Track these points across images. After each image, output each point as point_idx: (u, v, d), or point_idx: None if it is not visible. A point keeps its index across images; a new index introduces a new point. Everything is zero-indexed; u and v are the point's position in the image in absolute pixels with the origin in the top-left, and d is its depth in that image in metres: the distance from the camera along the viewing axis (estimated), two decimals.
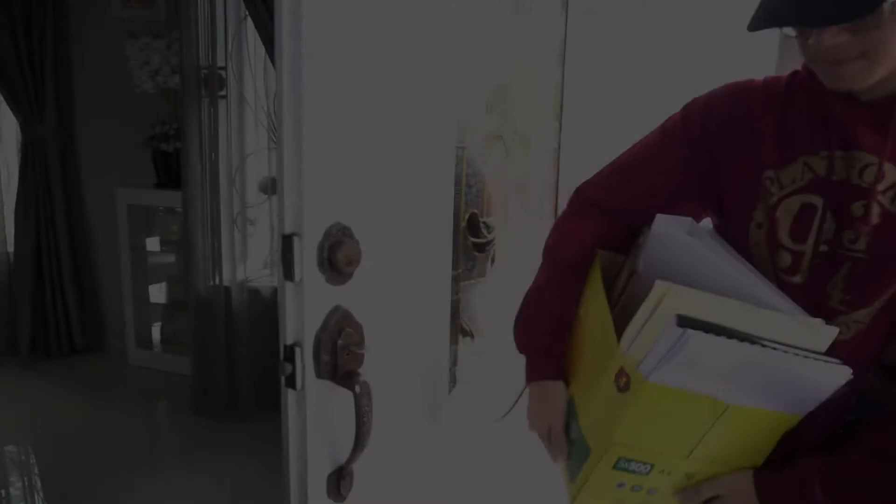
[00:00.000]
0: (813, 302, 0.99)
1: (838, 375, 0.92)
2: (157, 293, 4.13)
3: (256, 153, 3.40)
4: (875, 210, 0.95)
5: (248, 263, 3.42)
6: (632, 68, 1.92)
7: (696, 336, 0.87)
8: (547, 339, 1.20)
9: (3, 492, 2.76)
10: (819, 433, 1.04)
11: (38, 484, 2.86)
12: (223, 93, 3.23)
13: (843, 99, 0.95)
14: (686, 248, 1.02)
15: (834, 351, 0.96)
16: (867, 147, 0.95)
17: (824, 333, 0.95)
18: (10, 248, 4.15)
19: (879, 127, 0.94)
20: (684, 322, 0.88)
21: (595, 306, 1.11)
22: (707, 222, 1.16)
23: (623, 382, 0.96)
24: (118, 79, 3.79)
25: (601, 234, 1.18)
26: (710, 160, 1.09)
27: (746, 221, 1.06)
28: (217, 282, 3.34)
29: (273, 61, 2.81)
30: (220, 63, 3.20)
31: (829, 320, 0.98)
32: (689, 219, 1.08)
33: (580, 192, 1.24)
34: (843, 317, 0.99)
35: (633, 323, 0.96)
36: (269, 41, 2.94)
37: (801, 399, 0.97)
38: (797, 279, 1.01)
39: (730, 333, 0.89)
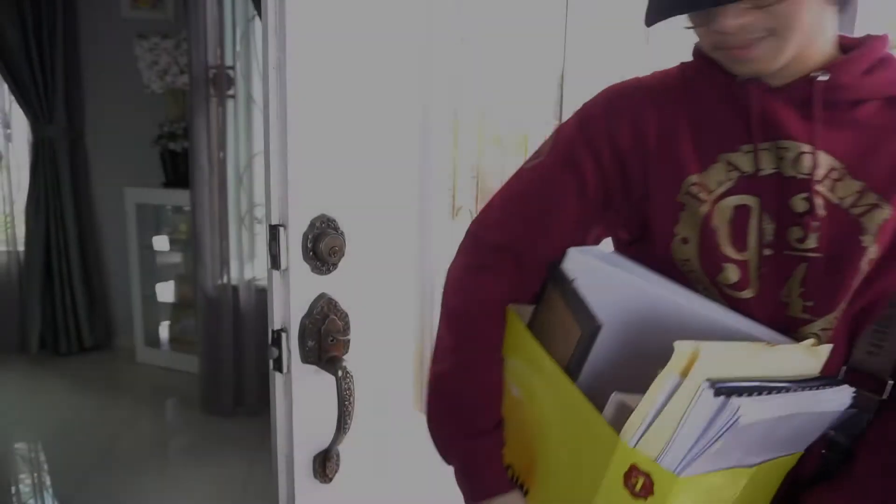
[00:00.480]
0: (771, 315, 0.88)
1: (845, 397, 0.81)
2: (165, 292, 4.15)
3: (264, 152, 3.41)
4: (819, 202, 0.84)
5: (255, 262, 3.44)
6: (632, 65, 1.92)
7: (746, 405, 0.69)
8: (486, 440, 0.96)
9: (13, 488, 2.78)
10: (805, 458, 0.92)
11: (48, 481, 2.88)
12: (231, 92, 3.25)
13: (755, 86, 0.85)
14: (624, 286, 0.85)
15: None
16: (797, 135, 0.84)
17: (821, 354, 0.83)
18: (21, 247, 4.18)
19: (802, 112, 0.85)
20: (719, 389, 0.69)
21: (550, 386, 0.87)
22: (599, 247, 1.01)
23: (640, 485, 0.74)
24: (127, 79, 3.83)
25: (515, 286, 0.97)
26: (621, 171, 0.93)
27: (668, 238, 0.91)
28: (225, 281, 3.36)
29: None
30: (229, 63, 3.22)
31: (793, 333, 0.88)
32: (598, 248, 0.95)
33: (476, 237, 1.01)
34: (810, 326, 0.88)
35: (642, 405, 0.73)
36: None
37: (810, 433, 0.85)
38: (748, 293, 0.88)
39: (760, 387, 0.73)
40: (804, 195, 0.84)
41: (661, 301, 0.84)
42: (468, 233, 1.01)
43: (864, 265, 0.84)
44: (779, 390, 0.73)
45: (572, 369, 0.84)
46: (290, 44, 0.90)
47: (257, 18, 3.11)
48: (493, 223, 1.00)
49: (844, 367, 0.90)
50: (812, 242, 0.85)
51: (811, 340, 0.83)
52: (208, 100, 3.20)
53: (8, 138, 4.10)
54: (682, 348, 0.70)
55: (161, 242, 4.08)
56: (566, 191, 0.95)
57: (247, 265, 3.38)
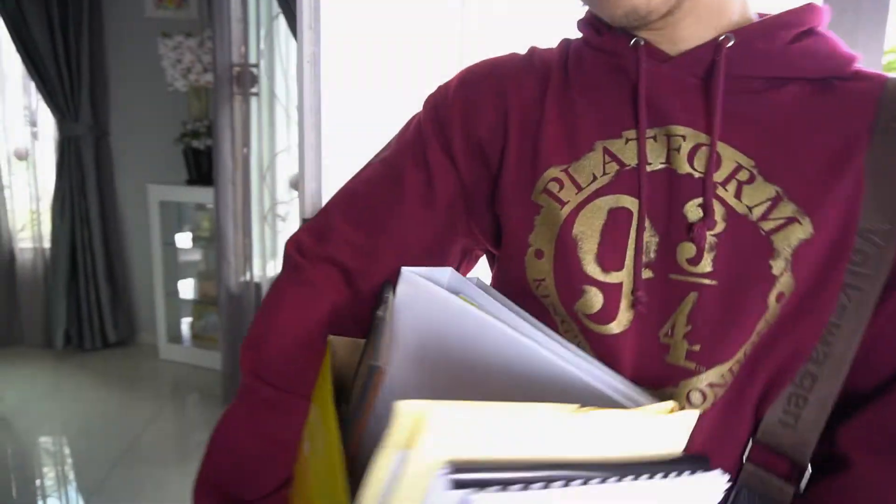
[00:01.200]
0: (645, 360, 0.66)
1: (716, 488, 0.53)
2: (186, 289, 4.19)
3: (287, 150, 3.44)
4: (719, 211, 0.63)
5: (278, 259, 3.44)
6: None
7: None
8: None
9: (38, 481, 2.81)
10: None
11: (72, 475, 2.90)
12: (255, 90, 3.27)
13: (645, 53, 0.66)
14: (450, 312, 0.62)
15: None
16: (693, 119, 0.64)
17: (680, 423, 0.54)
18: (46, 244, 4.23)
19: (700, 93, 0.65)
20: (461, 479, 0.43)
21: (324, 439, 0.61)
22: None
23: None
24: (151, 77, 3.87)
25: (340, 309, 0.74)
26: (480, 163, 0.74)
27: (522, 251, 0.71)
28: (247, 278, 3.37)
29: None
30: (253, 60, 3.24)
31: (672, 385, 0.65)
32: (449, 269, 0.70)
33: (300, 245, 0.78)
34: (694, 379, 0.65)
35: (367, 489, 0.45)
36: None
37: None
38: (615, 328, 0.66)
39: (530, 478, 0.45)
40: (700, 200, 0.64)
41: (493, 337, 0.61)
42: (291, 241, 0.79)
43: (773, 301, 0.63)
44: (580, 479, 0.46)
45: (349, 422, 0.61)
46: (325, 38, 0.90)
47: (281, 16, 3.13)
48: (322, 229, 0.78)
49: (750, 441, 0.68)
50: (707, 265, 0.64)
51: (669, 404, 0.55)
52: (232, 97, 3.22)
53: (34, 136, 4.14)
54: (405, 410, 0.43)
55: (183, 240, 4.11)
56: (410, 189, 0.76)
57: (269, 262, 3.39)
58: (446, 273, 0.69)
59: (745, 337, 0.63)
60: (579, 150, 0.68)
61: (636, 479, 0.49)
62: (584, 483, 0.47)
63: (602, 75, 0.70)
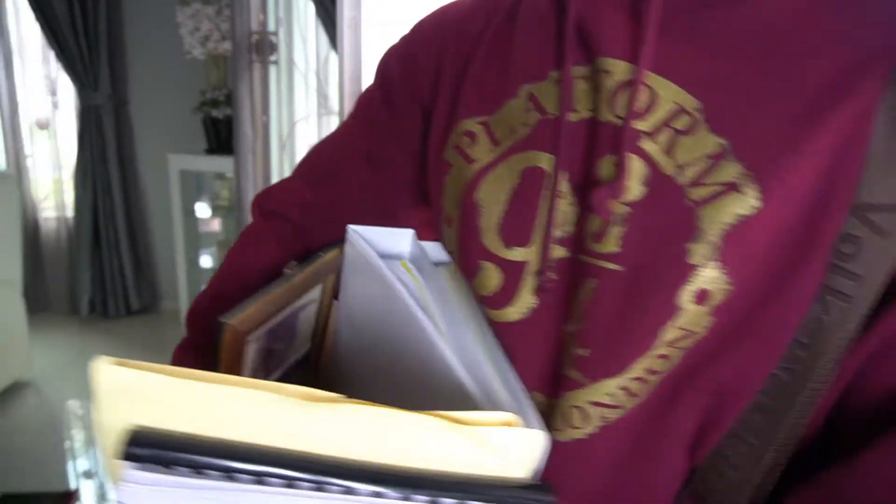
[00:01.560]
0: (540, 359, 0.53)
1: None
2: (206, 258, 4.20)
3: (306, 118, 3.44)
4: (639, 171, 0.46)
5: None
6: None
7: (138, 475, 0.35)
8: None
9: (66, 443, 2.87)
10: None
11: (98, 437, 2.96)
12: (274, 58, 3.26)
13: None
14: (374, 277, 0.55)
15: (569, 465, 0.50)
16: (620, 49, 0.47)
17: (520, 443, 0.37)
18: (70, 213, 4.27)
19: (634, 9, 0.47)
20: (145, 443, 0.35)
21: None
22: None
23: None
24: (169, 46, 3.86)
25: (288, 263, 0.69)
26: (421, 120, 0.64)
27: (440, 216, 0.61)
28: None
29: (324, 24, 2.84)
30: (271, 28, 3.23)
31: (557, 397, 0.51)
32: (411, 232, 0.61)
33: (263, 198, 0.75)
34: (576, 392, 0.49)
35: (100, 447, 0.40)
36: (319, 3, 2.96)
37: None
38: (510, 314, 0.53)
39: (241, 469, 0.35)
40: (614, 155, 0.48)
41: (400, 310, 0.52)
42: (257, 195, 0.76)
43: (688, 301, 0.45)
44: (341, 487, 0.35)
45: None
46: (366, 1, 0.90)
47: None
48: (286, 185, 0.75)
49: (685, 492, 0.52)
50: (612, 244, 0.47)
51: (503, 415, 0.37)
52: (251, 66, 3.21)
53: (55, 106, 4.16)
54: (92, 366, 0.36)
55: (203, 209, 4.14)
56: (354, 147, 0.70)
57: None
58: (406, 236, 0.61)
59: (641, 347, 0.46)
60: (503, 98, 0.55)
61: (407, 496, 0.36)
62: (347, 492, 0.36)
63: (547, 6, 0.54)
